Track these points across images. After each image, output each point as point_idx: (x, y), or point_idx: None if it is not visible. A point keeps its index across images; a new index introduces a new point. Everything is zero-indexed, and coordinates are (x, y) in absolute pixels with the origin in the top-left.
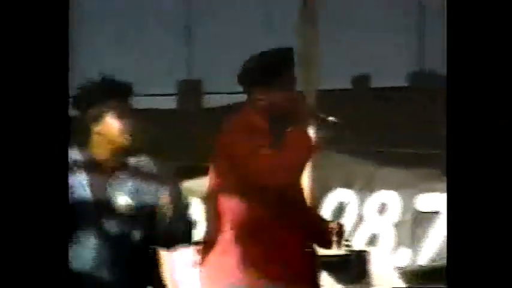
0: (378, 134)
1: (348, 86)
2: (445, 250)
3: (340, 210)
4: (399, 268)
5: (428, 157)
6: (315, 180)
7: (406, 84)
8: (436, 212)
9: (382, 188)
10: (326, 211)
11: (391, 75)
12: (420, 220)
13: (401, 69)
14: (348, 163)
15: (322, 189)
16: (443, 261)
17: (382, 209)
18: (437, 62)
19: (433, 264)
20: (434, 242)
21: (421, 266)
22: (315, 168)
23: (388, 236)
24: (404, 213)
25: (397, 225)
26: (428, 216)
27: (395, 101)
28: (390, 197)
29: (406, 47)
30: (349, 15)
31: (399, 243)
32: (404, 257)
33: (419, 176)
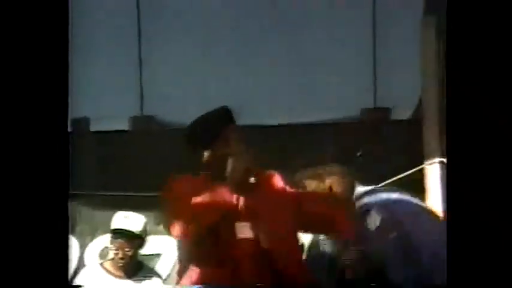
0: (99, 178)
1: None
2: None
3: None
4: None
5: (148, 200)
6: None
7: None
8: (158, 255)
9: (105, 233)
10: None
11: (112, 119)
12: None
13: (123, 113)
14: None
15: None
16: None
17: (105, 253)
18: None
19: None
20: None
21: None
22: None
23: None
24: None
25: None
26: (150, 259)
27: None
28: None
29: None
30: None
31: None
32: None
33: None
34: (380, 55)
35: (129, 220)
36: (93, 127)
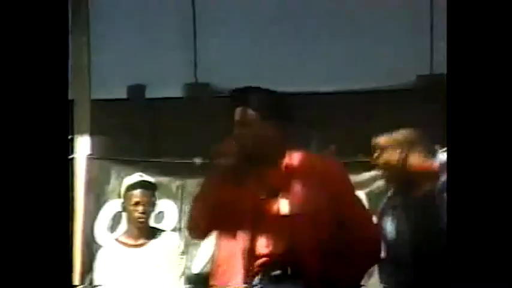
0: (153, 144)
1: (124, 95)
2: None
3: (117, 218)
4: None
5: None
6: (91, 190)
7: (180, 95)
8: None
9: (161, 197)
10: (102, 222)
11: (166, 86)
12: None
13: (176, 80)
14: (122, 173)
15: (98, 199)
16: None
17: (160, 217)
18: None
19: (205, 270)
20: (207, 249)
21: (195, 273)
22: (90, 178)
23: None
24: (180, 221)
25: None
26: None
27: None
28: (167, 206)
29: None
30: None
31: None
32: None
33: (195, 185)
34: (437, 21)
35: (145, 176)
36: (148, 94)
